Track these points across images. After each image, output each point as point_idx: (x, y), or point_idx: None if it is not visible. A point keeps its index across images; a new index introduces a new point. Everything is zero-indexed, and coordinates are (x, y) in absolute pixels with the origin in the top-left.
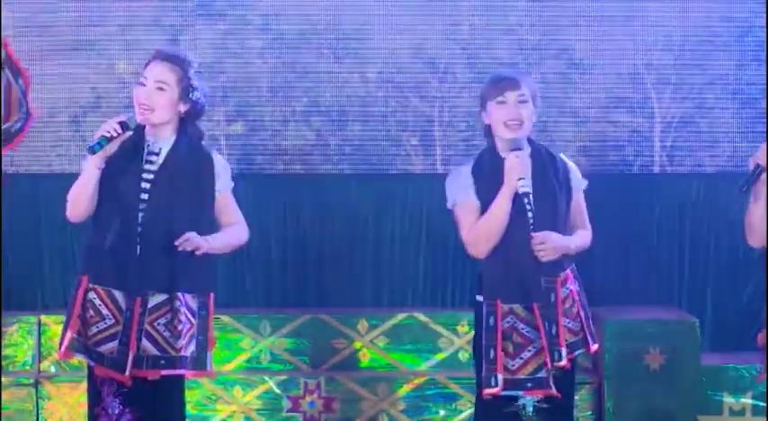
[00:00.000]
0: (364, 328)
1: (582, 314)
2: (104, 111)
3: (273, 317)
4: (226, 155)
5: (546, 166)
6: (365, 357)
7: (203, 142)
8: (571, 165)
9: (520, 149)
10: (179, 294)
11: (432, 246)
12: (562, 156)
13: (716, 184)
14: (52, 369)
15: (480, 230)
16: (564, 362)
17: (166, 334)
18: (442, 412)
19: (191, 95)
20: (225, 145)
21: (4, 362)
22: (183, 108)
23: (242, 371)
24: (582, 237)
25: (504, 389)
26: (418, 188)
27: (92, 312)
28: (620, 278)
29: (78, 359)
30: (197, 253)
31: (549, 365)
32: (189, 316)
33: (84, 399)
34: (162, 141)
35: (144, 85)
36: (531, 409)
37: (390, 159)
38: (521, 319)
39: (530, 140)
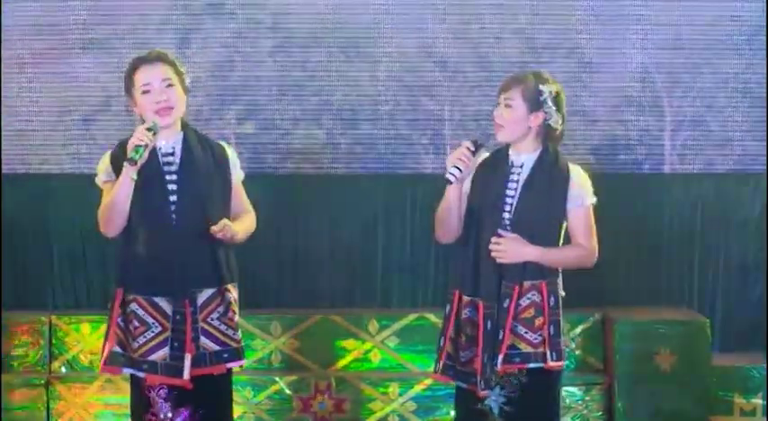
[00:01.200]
0: (375, 329)
1: (548, 329)
2: (114, 111)
3: (284, 318)
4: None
5: (542, 176)
6: (376, 358)
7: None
8: (577, 180)
9: (476, 142)
10: (228, 286)
11: (442, 246)
12: (574, 169)
13: (726, 184)
14: (63, 370)
15: (437, 215)
16: (499, 368)
17: (222, 327)
18: (452, 412)
19: (188, 87)
20: (235, 144)
21: (15, 363)
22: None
23: (253, 371)
24: (566, 253)
25: (452, 379)
26: (428, 188)
27: (136, 323)
28: (630, 278)
29: (125, 373)
30: (235, 239)
31: (479, 366)
32: (236, 306)
33: (94, 400)
34: (172, 141)
35: (149, 92)
36: (498, 411)
37: (400, 159)
38: (478, 313)
39: (545, 148)
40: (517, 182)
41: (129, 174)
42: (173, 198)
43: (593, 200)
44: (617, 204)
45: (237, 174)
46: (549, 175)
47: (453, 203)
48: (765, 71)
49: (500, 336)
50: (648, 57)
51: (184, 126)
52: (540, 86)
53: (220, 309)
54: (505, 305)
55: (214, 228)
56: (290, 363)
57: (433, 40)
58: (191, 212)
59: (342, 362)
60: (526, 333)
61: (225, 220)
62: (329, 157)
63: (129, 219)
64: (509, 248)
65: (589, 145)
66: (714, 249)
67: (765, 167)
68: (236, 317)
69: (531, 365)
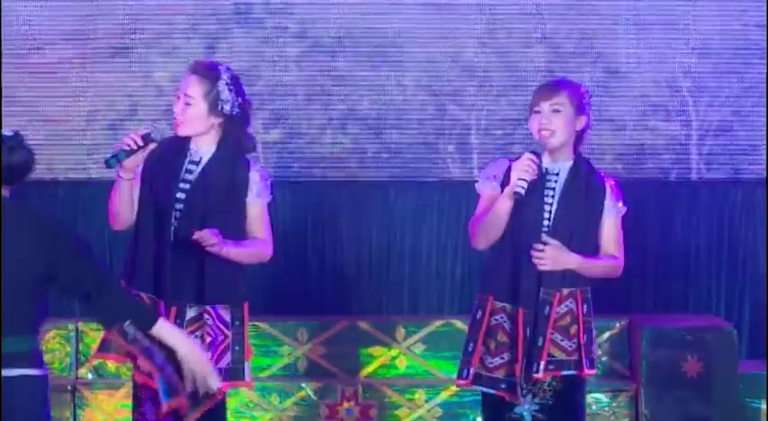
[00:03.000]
0: (401, 335)
1: (583, 337)
2: (141, 118)
3: (311, 324)
4: (262, 161)
5: (579, 184)
6: (402, 364)
7: (251, 154)
8: (611, 190)
9: (536, 153)
10: (208, 307)
11: (469, 254)
12: (608, 181)
13: (754, 191)
14: (89, 376)
15: (478, 222)
16: (540, 376)
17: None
18: (479, 419)
19: (221, 108)
20: (262, 152)
21: None
22: (215, 120)
23: (279, 378)
24: (601, 263)
25: (477, 385)
26: (455, 195)
27: None
28: (657, 286)
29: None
30: (212, 249)
31: (519, 373)
32: (222, 327)
33: (120, 407)
34: (203, 151)
35: (178, 99)
36: (530, 419)
37: (427, 166)
38: (510, 319)
39: (578, 155)
40: (554, 189)
41: (121, 173)
42: (179, 206)
43: (624, 210)
44: (644, 212)
45: (256, 200)
46: (586, 184)
47: (505, 214)
48: (765, 71)
49: (539, 344)
50: (676, 64)
51: (224, 142)
52: (584, 90)
53: (201, 330)
54: (545, 312)
55: (195, 234)
56: (317, 370)
57: (461, 47)
58: (190, 224)
59: (368, 369)
60: (562, 340)
61: (205, 231)
62: (355, 164)
63: (139, 215)
64: (551, 256)
65: (616, 152)
66: (741, 256)
67: (764, 173)
68: (222, 339)
69: (565, 373)
